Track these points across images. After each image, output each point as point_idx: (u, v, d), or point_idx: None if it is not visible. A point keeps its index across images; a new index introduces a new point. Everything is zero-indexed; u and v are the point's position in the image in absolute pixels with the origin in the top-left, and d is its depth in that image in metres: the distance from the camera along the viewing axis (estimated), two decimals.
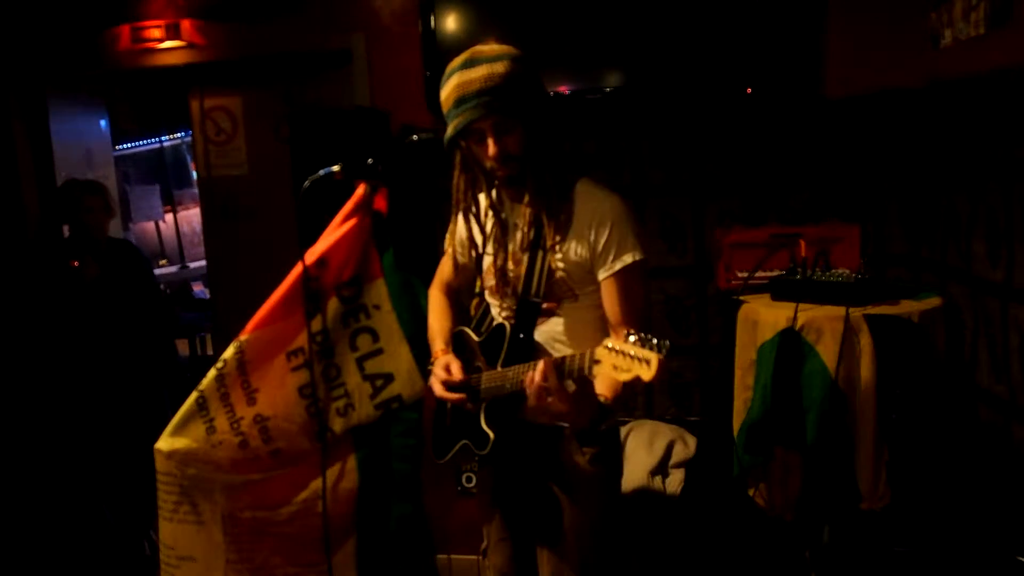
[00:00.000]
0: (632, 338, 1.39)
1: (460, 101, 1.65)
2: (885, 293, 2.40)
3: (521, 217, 1.79)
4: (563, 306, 1.78)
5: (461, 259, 1.99)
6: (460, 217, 1.86)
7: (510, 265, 1.81)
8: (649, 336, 1.38)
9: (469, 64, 1.66)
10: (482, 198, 1.84)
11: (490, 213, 1.84)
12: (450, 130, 1.70)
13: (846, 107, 2.86)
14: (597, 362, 1.46)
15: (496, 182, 1.77)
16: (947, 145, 2.51)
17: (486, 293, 1.91)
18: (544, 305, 1.77)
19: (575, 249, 1.73)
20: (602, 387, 1.66)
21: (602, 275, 1.73)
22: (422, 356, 2.11)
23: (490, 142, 1.66)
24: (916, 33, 2.61)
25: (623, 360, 1.40)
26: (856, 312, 2.27)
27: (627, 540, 1.91)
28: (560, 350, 1.78)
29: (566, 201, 1.74)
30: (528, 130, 1.68)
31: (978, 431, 2.35)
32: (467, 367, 1.84)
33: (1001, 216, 2.17)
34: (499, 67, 1.63)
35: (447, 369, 1.83)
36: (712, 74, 2.86)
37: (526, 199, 1.75)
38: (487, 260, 1.86)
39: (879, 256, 2.84)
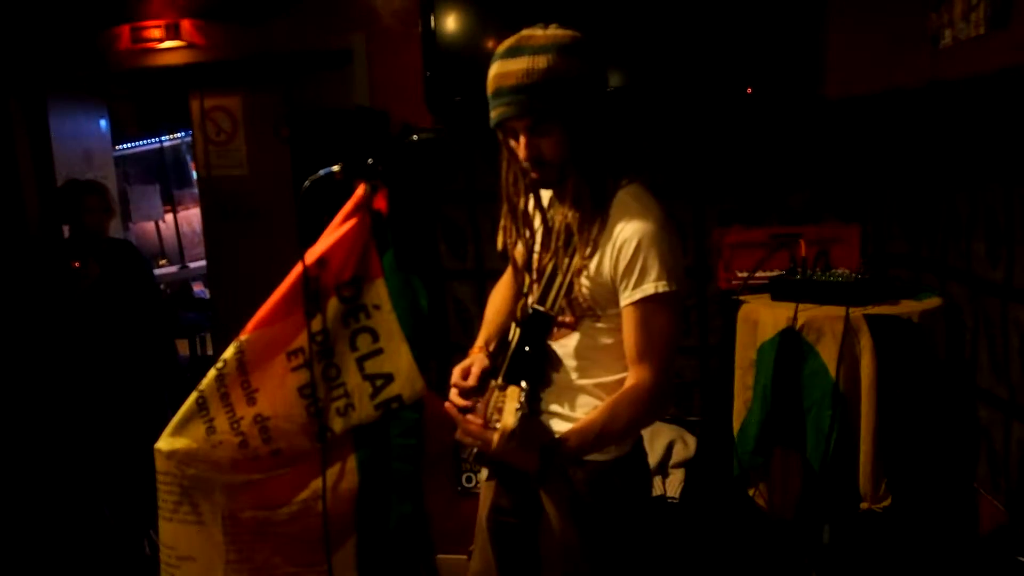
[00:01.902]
0: (521, 398, 1.34)
1: (496, 93, 1.53)
2: (885, 293, 2.40)
3: (558, 220, 1.65)
4: (583, 323, 1.65)
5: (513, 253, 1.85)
6: (506, 210, 1.73)
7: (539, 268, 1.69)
8: (523, 406, 1.33)
9: (512, 52, 1.51)
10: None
11: (537, 212, 1.72)
12: (491, 119, 1.58)
13: (846, 107, 2.85)
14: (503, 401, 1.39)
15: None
16: (947, 145, 2.50)
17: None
18: (567, 319, 1.65)
19: (600, 267, 1.59)
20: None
21: (622, 302, 1.58)
22: (422, 356, 2.11)
23: (521, 143, 1.55)
24: (916, 33, 2.61)
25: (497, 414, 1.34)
26: (856, 312, 2.27)
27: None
28: (569, 370, 1.68)
29: (602, 211, 1.59)
30: (569, 134, 1.54)
31: (978, 431, 2.35)
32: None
33: (1001, 216, 2.17)
34: (541, 61, 1.48)
35: (464, 373, 1.76)
36: (712, 74, 2.86)
37: (566, 202, 1.61)
38: (529, 258, 1.75)
39: (879, 256, 2.84)
